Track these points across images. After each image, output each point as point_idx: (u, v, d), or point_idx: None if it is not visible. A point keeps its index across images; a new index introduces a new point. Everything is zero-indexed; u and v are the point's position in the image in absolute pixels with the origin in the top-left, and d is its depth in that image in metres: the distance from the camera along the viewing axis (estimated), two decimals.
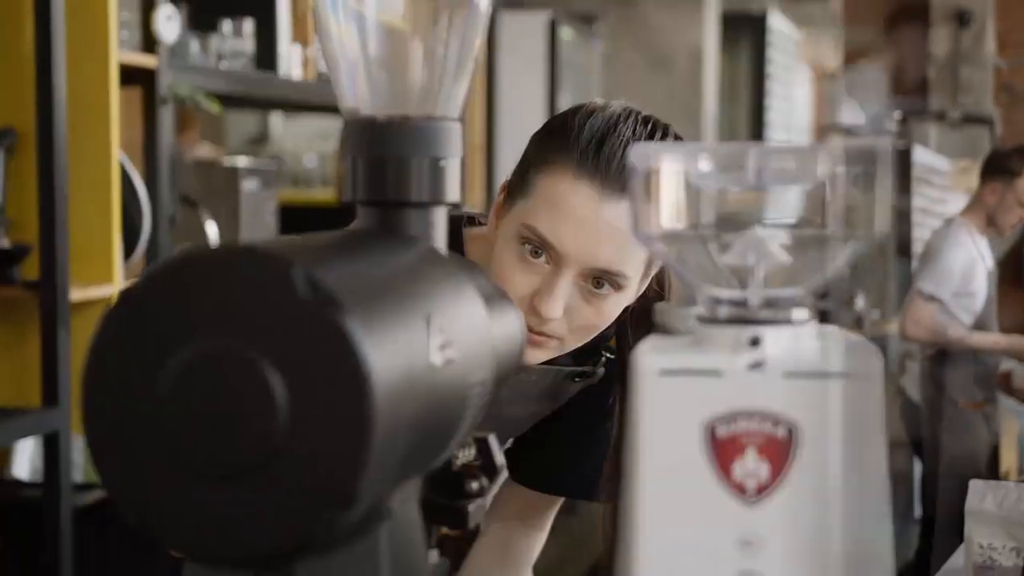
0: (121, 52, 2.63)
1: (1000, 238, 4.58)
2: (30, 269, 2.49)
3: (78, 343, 2.48)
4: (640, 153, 0.71)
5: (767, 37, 7.37)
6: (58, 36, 2.44)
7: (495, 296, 0.86)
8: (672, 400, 0.69)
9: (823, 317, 0.74)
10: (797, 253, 0.71)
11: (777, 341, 0.69)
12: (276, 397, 0.60)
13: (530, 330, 1.27)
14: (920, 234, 7.42)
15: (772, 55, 7.51)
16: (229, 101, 3.33)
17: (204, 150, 3.96)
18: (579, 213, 1.24)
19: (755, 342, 0.69)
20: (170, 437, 0.62)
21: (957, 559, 2.08)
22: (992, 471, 4.34)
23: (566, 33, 4.97)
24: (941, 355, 4.37)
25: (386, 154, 0.78)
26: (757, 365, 0.68)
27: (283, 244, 0.65)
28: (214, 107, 2.92)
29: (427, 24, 0.81)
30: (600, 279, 1.27)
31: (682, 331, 0.77)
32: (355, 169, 0.79)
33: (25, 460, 2.71)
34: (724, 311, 0.71)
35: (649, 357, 0.69)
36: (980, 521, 1.93)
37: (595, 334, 1.33)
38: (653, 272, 1.36)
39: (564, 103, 6.40)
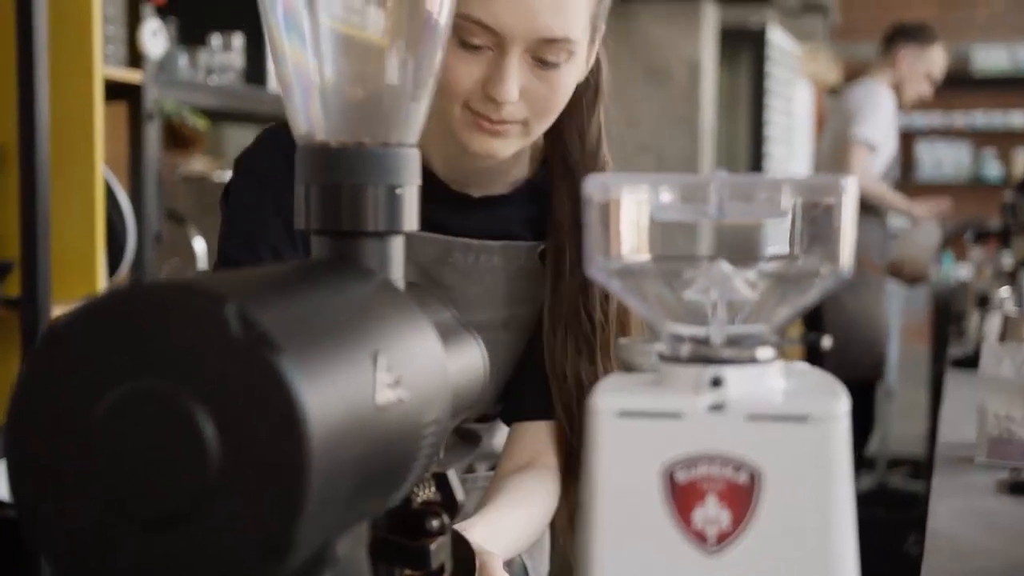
0: (106, 67, 2.60)
1: (902, 109, 4.67)
2: (11, 286, 2.46)
3: None
4: (597, 184, 0.68)
5: (766, 52, 7.34)
6: (41, 51, 2.42)
7: (454, 329, 0.83)
8: (630, 443, 0.66)
9: None
10: (762, 288, 0.69)
11: (740, 381, 0.66)
12: (207, 440, 0.57)
13: (488, 119, 1.23)
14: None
15: (771, 69, 7.48)
16: (218, 116, 3.31)
17: (198, 164, 3.94)
18: None
19: (717, 383, 0.66)
20: (97, 480, 0.59)
21: (966, 434, 1.92)
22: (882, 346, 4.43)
23: None
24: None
25: (340, 181, 0.76)
26: (718, 407, 0.65)
27: (222, 279, 0.62)
28: (200, 123, 2.89)
29: (383, 46, 0.78)
30: (547, 51, 1.21)
31: (645, 367, 0.74)
32: (308, 196, 0.76)
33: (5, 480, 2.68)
34: (686, 349, 0.68)
35: (607, 397, 0.66)
36: (996, 388, 1.78)
37: (556, 113, 1.27)
38: (599, 37, 1.32)
39: None
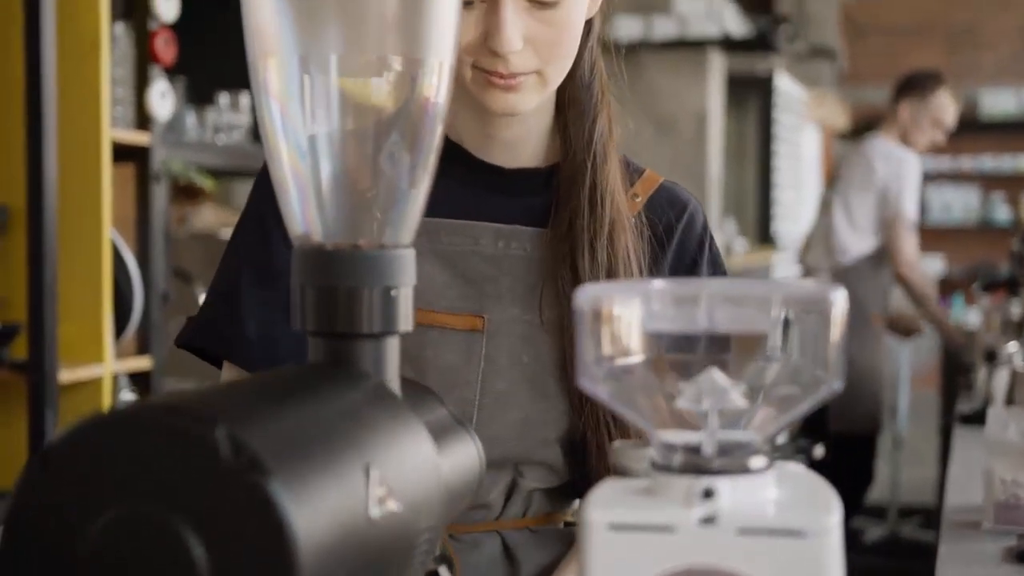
0: (115, 130, 2.62)
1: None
2: (18, 349, 2.47)
3: (65, 426, 2.44)
4: (587, 294, 0.69)
5: (774, 98, 7.37)
6: (50, 113, 2.43)
7: (448, 426, 0.83)
8: (623, 556, 0.66)
9: None
10: (753, 397, 0.69)
11: (732, 492, 0.66)
12: (198, 565, 0.58)
13: (499, 75, 1.17)
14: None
15: (779, 115, 7.51)
16: (226, 173, 3.33)
17: (208, 214, 3.95)
18: None
19: (708, 494, 0.66)
20: None
21: (973, 495, 1.89)
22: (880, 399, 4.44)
23: None
24: (856, 265, 4.44)
25: (336, 284, 0.76)
26: (710, 520, 0.65)
27: (211, 397, 0.63)
28: (207, 183, 2.90)
29: (379, 147, 0.78)
30: None
31: (638, 472, 0.74)
32: (304, 298, 0.77)
33: None
34: (678, 459, 0.68)
35: (598, 510, 0.66)
36: (1002, 452, 1.74)
37: (569, 57, 1.21)
38: None
39: None
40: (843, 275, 4.51)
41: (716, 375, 0.69)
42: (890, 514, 5.39)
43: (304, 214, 0.78)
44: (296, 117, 0.77)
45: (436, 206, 1.25)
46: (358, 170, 0.78)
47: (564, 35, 1.18)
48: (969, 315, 6.51)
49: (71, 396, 2.54)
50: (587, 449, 1.24)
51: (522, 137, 1.29)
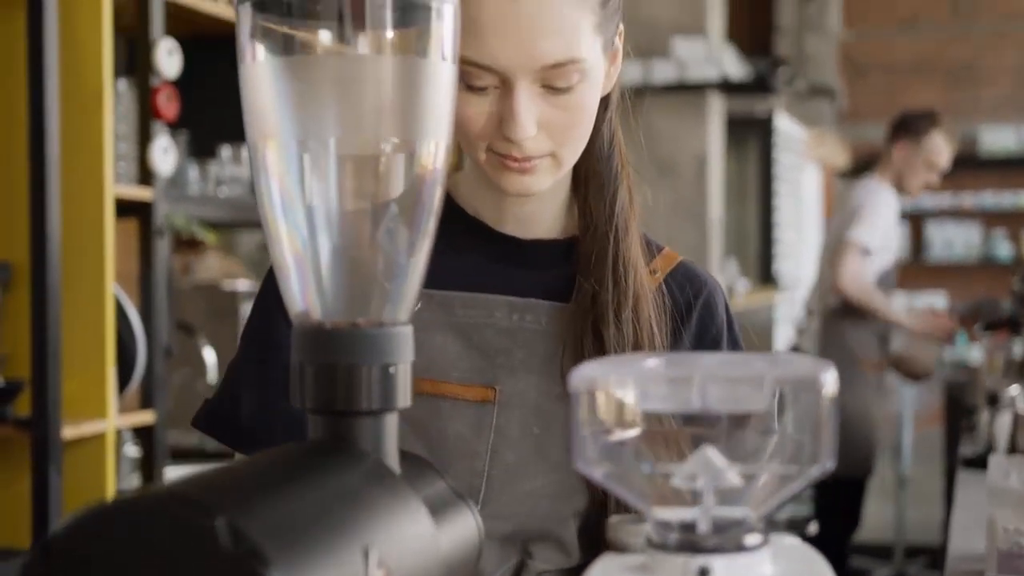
0: (118, 185, 2.64)
1: (910, 199, 4.72)
2: (22, 406, 2.48)
3: (70, 482, 2.45)
4: (583, 375, 0.70)
5: (773, 138, 7.40)
6: (53, 170, 2.45)
7: (447, 500, 0.84)
8: None
9: None
10: (748, 475, 0.69)
11: (728, 570, 0.67)
12: None
13: (513, 159, 1.17)
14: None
15: (779, 155, 7.54)
16: (228, 225, 3.35)
17: (212, 263, 3.97)
18: (497, 22, 1.11)
19: (704, 573, 0.67)
20: None
21: (977, 543, 1.87)
22: (872, 443, 4.41)
23: None
24: (844, 310, 4.42)
25: (335, 362, 0.77)
26: None
27: (210, 484, 0.64)
28: (209, 237, 2.92)
29: (376, 227, 0.80)
30: (555, 77, 1.14)
31: (634, 548, 0.74)
32: (303, 376, 0.78)
33: None
34: (673, 537, 0.69)
35: None
36: (1004, 501, 1.73)
37: (583, 138, 1.20)
38: (618, 40, 1.24)
39: None
40: (831, 318, 4.53)
41: (711, 453, 0.70)
42: (896, 554, 5.38)
43: (303, 292, 0.79)
44: (295, 197, 0.78)
45: (453, 278, 1.26)
46: (356, 249, 0.79)
47: (578, 118, 1.17)
48: (972, 352, 6.51)
49: (75, 452, 2.54)
50: (599, 527, 1.23)
51: (539, 211, 1.29)
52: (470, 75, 1.13)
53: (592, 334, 1.23)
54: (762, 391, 0.69)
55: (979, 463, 2.88)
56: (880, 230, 4.37)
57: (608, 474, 0.71)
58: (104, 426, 2.57)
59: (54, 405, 2.41)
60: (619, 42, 1.25)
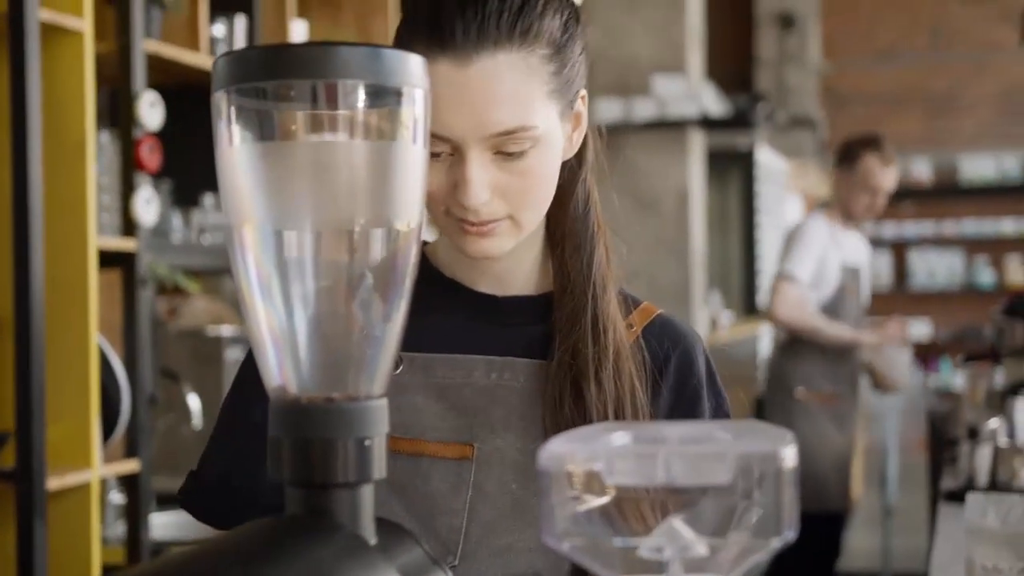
0: (101, 237, 2.66)
1: (857, 226, 4.63)
2: (7, 458, 2.48)
3: (55, 533, 2.46)
4: (550, 452, 0.72)
5: (755, 171, 7.45)
6: (37, 222, 2.47)
7: (424, 568, 0.86)
8: None
9: None
10: (713, 545, 0.72)
11: None
12: None
13: (470, 223, 1.18)
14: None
15: (761, 188, 7.58)
16: (213, 271, 3.36)
17: (198, 306, 3.98)
18: (448, 93, 1.13)
19: None
20: None
21: None
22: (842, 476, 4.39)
23: None
24: (790, 343, 4.41)
25: (311, 436, 0.79)
26: None
27: (186, 567, 0.66)
28: (193, 287, 2.94)
29: (350, 305, 0.82)
30: (507, 144, 1.15)
31: None
32: (280, 449, 0.80)
33: None
34: None
35: None
36: (982, 540, 1.74)
37: (542, 201, 1.21)
38: (578, 105, 1.24)
39: None
40: (777, 353, 4.56)
41: (677, 524, 0.72)
42: None
43: (280, 367, 0.81)
44: (271, 276, 0.80)
45: (433, 340, 1.27)
46: (331, 326, 0.81)
47: (533, 183, 1.19)
48: (956, 379, 6.54)
49: (59, 502, 2.55)
50: None
51: (513, 268, 1.31)
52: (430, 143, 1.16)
53: (572, 392, 1.25)
54: (724, 465, 0.71)
55: (960, 497, 2.89)
56: (812, 261, 4.36)
57: (576, 548, 0.73)
58: (89, 476, 2.58)
59: (39, 456, 2.42)
60: (581, 106, 1.26)
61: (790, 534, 0.71)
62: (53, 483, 2.49)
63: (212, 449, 1.33)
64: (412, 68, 0.80)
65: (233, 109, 0.80)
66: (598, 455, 0.72)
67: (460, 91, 1.13)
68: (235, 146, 0.80)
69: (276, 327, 0.81)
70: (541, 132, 1.17)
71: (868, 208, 4.50)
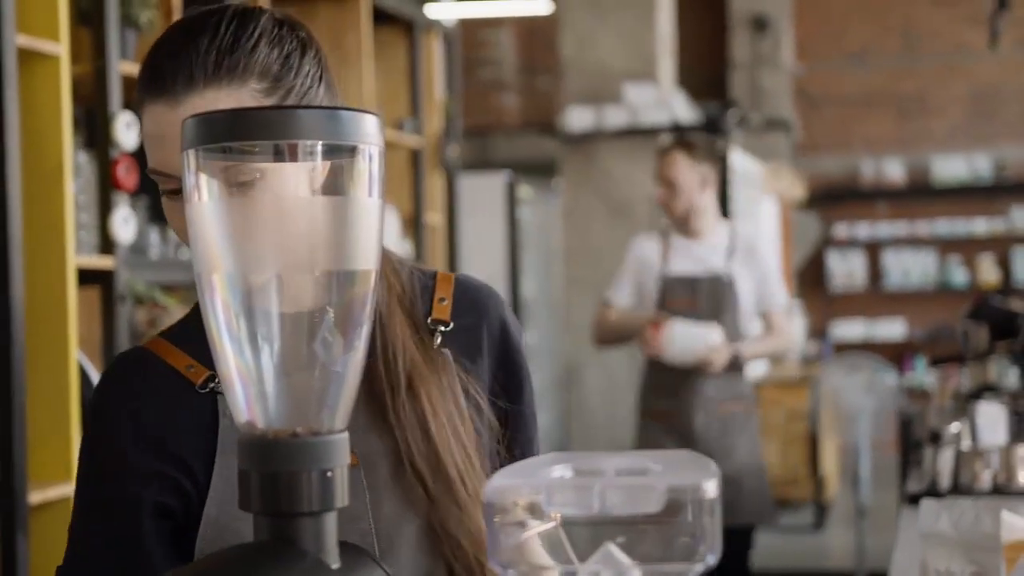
0: (79, 255, 2.71)
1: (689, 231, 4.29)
2: None
3: (37, 546, 2.51)
4: (494, 487, 0.78)
5: (729, 176, 7.51)
6: (16, 241, 2.52)
7: None
8: None
9: None
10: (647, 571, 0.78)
11: None
12: None
13: None
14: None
15: (735, 191, 7.65)
16: (190, 286, 3.42)
17: (178, 315, 4.02)
18: (163, 131, 1.19)
19: None
20: None
21: None
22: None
23: (524, 191, 5.10)
24: (645, 366, 4.27)
25: (277, 469, 0.85)
26: None
27: None
28: (170, 302, 3.00)
29: (312, 345, 0.88)
30: (236, 175, 1.15)
31: None
32: (249, 481, 0.86)
33: None
34: None
35: None
36: (935, 544, 1.80)
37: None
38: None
39: (525, 258, 6.54)
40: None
41: (612, 550, 0.79)
42: None
43: (248, 405, 0.87)
44: (239, 321, 0.87)
45: None
46: (295, 365, 0.88)
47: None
48: (929, 379, 6.63)
49: (40, 516, 2.60)
50: None
51: None
52: (163, 182, 1.21)
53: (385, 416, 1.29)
54: (655, 496, 0.78)
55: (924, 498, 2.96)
56: (628, 284, 4.23)
57: (520, 573, 0.80)
58: (70, 490, 2.63)
59: (20, 471, 2.48)
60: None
61: (712, 558, 0.78)
62: (35, 497, 2.54)
63: (81, 545, 1.29)
64: (367, 127, 0.87)
65: (201, 167, 0.86)
66: (539, 487, 0.79)
67: (174, 129, 1.13)
68: (203, 201, 0.86)
69: (244, 367, 0.87)
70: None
71: (659, 200, 4.25)
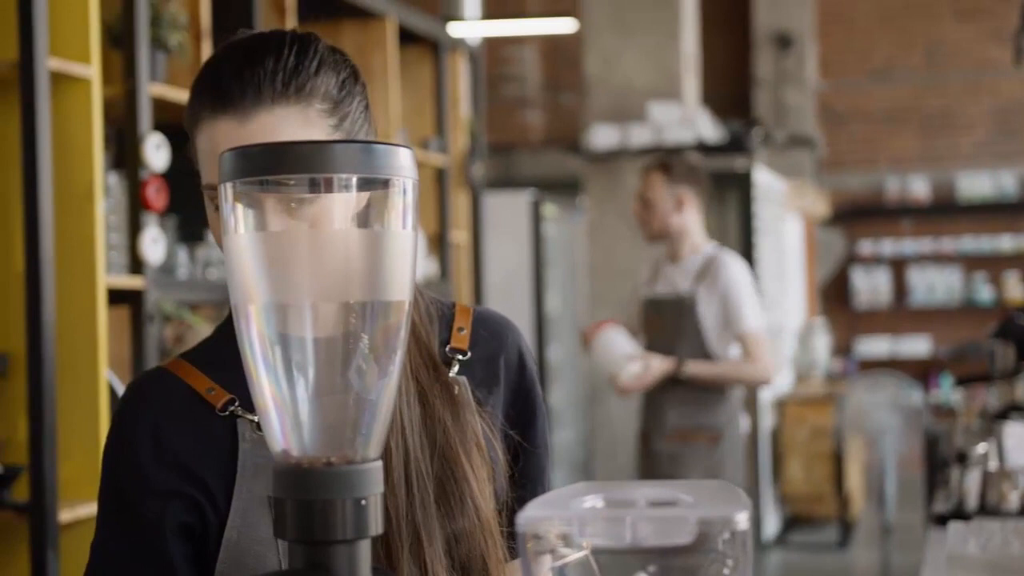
0: (109, 275, 2.74)
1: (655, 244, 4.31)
2: (20, 491, 2.56)
3: (68, 564, 2.53)
4: (529, 518, 0.80)
5: (752, 192, 7.51)
6: (48, 262, 2.55)
7: None
8: None
9: None
10: None
11: None
12: None
13: None
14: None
15: (759, 209, 7.65)
16: (218, 304, 3.44)
17: (205, 331, 4.04)
18: (233, 145, 1.18)
19: None
20: None
21: None
22: None
23: (549, 209, 5.12)
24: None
25: (312, 497, 0.87)
26: None
27: None
28: (197, 320, 3.02)
29: (346, 375, 0.89)
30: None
31: None
32: (284, 509, 0.87)
33: None
34: None
35: None
36: (963, 566, 1.81)
37: None
38: None
39: (549, 275, 6.57)
40: None
41: None
42: None
43: (283, 434, 0.89)
44: (275, 351, 0.88)
45: None
46: (329, 395, 0.89)
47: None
48: (955, 396, 6.60)
49: (71, 535, 2.62)
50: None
51: None
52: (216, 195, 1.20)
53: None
54: (686, 528, 0.79)
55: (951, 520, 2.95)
56: (631, 305, 4.32)
57: None
58: None
59: (51, 489, 2.50)
60: None
61: None
62: (65, 515, 2.56)
63: (105, 562, 1.28)
64: (401, 160, 0.88)
65: (238, 199, 0.87)
66: (571, 518, 0.80)
67: (240, 144, 1.15)
68: (240, 233, 0.88)
69: (279, 396, 0.89)
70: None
71: (636, 217, 4.27)
